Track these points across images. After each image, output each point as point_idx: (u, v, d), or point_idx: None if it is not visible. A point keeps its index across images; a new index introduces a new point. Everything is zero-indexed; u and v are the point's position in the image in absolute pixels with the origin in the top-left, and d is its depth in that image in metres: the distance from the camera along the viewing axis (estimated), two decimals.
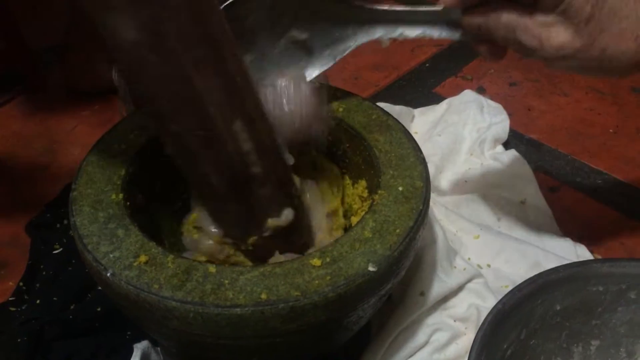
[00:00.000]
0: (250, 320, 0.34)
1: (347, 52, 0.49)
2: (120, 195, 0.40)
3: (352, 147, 0.48)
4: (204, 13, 0.36)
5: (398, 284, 0.44)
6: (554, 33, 0.39)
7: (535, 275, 0.42)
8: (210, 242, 0.44)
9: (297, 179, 0.45)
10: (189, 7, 0.35)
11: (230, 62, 0.38)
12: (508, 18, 0.40)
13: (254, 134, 0.39)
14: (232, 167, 0.39)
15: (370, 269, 0.36)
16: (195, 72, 0.35)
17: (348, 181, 0.49)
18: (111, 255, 0.36)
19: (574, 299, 0.43)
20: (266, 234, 0.42)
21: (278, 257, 0.42)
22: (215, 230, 0.43)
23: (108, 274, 0.36)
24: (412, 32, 0.47)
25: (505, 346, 0.41)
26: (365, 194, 0.47)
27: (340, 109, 0.48)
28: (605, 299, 0.43)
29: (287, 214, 0.42)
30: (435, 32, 0.47)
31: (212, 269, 0.36)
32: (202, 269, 0.36)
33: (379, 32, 0.48)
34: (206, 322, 0.34)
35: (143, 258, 0.36)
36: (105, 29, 0.34)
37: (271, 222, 0.42)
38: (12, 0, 0.80)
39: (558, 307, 0.43)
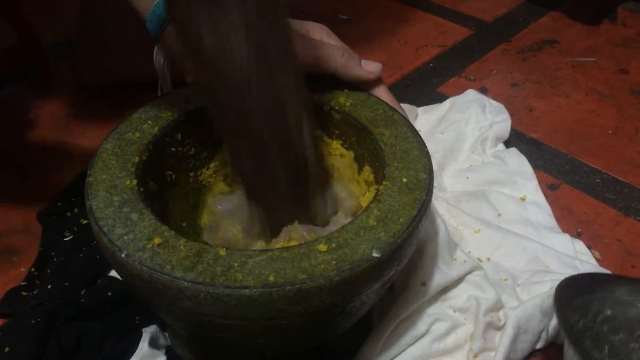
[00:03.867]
0: (258, 302, 0.35)
1: None
2: (134, 181, 0.42)
3: (359, 140, 0.49)
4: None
5: (400, 273, 0.46)
6: None
7: (596, 273, 0.47)
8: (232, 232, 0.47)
9: None
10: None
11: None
12: None
13: (312, 131, 0.43)
14: (297, 161, 0.43)
15: (375, 255, 0.38)
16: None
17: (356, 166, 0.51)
18: (125, 238, 0.38)
19: (621, 310, 0.45)
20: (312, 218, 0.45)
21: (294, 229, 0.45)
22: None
23: (123, 255, 0.37)
24: None
25: (573, 320, 0.43)
26: (371, 179, 0.48)
27: (348, 104, 0.49)
28: None
29: (331, 195, 0.46)
30: None
31: (222, 252, 0.37)
32: (212, 252, 0.37)
33: None
34: (216, 302, 0.35)
35: (157, 240, 0.37)
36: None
37: (318, 203, 0.45)
38: None
39: (609, 312, 0.44)
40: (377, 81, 0.51)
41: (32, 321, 0.47)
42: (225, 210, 0.49)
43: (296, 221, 0.44)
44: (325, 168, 0.48)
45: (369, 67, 0.50)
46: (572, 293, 0.43)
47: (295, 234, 0.44)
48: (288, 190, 0.44)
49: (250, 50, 0.38)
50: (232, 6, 0.38)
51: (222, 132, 0.44)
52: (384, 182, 0.43)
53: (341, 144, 0.51)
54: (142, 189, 0.42)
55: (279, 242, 0.44)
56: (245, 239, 0.46)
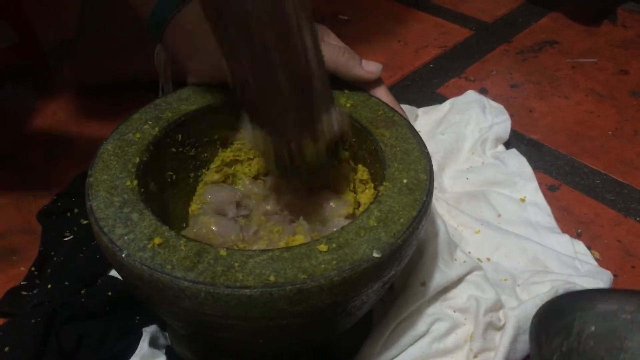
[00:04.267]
0: (258, 301, 0.36)
1: None
2: (135, 182, 0.42)
3: (359, 141, 0.49)
4: None
5: (400, 273, 0.46)
6: None
7: (573, 292, 0.45)
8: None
9: None
10: None
11: None
12: None
13: (314, 35, 0.41)
14: (299, 66, 0.41)
15: (375, 255, 0.38)
16: None
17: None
18: (126, 238, 0.38)
19: (605, 324, 0.44)
20: (322, 133, 0.44)
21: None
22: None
23: (123, 255, 0.37)
24: None
25: (553, 346, 0.43)
26: (366, 177, 0.48)
27: (348, 104, 0.50)
28: (632, 328, 0.45)
29: (338, 112, 0.44)
30: None
31: (222, 252, 0.37)
32: (213, 252, 0.37)
33: None
34: (216, 301, 0.36)
35: (157, 240, 0.38)
36: None
37: (325, 117, 0.44)
38: None
39: (593, 328, 0.44)
40: (377, 82, 0.51)
41: (32, 321, 0.47)
42: (214, 200, 0.49)
43: (301, 217, 0.44)
44: (329, 86, 0.46)
45: (370, 67, 0.50)
46: (552, 317, 0.42)
47: (300, 229, 0.44)
48: (292, 104, 0.43)
49: None
50: None
51: (222, 41, 0.42)
52: (384, 183, 0.43)
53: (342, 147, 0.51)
54: (142, 190, 0.42)
55: (282, 240, 0.45)
56: (218, 238, 0.46)
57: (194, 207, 0.50)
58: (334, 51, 0.49)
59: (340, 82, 0.51)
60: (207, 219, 0.47)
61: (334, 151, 0.51)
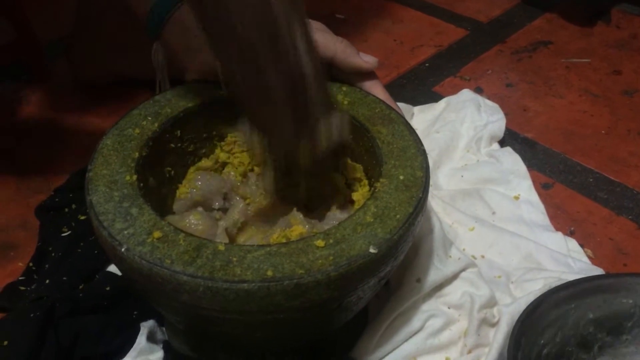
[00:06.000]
0: (256, 296, 0.36)
1: None
2: (134, 177, 0.42)
3: (355, 138, 0.50)
4: None
5: (396, 270, 0.47)
6: None
7: (568, 282, 0.45)
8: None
9: None
10: None
11: None
12: None
13: (307, 36, 0.41)
14: (289, 66, 0.40)
15: (371, 250, 0.38)
16: None
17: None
18: (125, 232, 0.38)
19: (606, 310, 0.45)
20: (318, 140, 0.43)
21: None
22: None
23: (123, 249, 0.37)
24: None
25: (542, 342, 0.43)
26: (359, 174, 0.49)
27: (345, 102, 0.50)
28: (635, 312, 0.45)
29: (338, 118, 0.43)
30: None
31: (221, 247, 0.38)
32: (211, 246, 0.38)
33: None
34: (215, 296, 0.36)
35: (156, 235, 0.38)
36: None
37: (322, 123, 0.43)
38: None
39: (591, 316, 0.45)
40: (374, 79, 0.52)
41: (31, 315, 0.47)
42: (203, 188, 0.49)
43: (294, 208, 0.44)
44: (329, 91, 0.45)
45: (366, 58, 0.51)
46: (538, 318, 0.43)
47: (295, 220, 0.45)
48: (286, 105, 0.42)
49: None
50: None
51: (212, 40, 0.42)
52: (380, 180, 0.44)
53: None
54: (141, 184, 0.42)
55: (275, 232, 0.45)
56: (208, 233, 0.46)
57: (182, 190, 0.50)
58: (331, 39, 0.49)
59: (338, 78, 0.51)
60: (195, 216, 0.47)
61: (334, 160, 0.50)
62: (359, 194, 0.48)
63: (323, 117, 0.43)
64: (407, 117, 0.72)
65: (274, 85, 0.41)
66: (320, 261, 0.37)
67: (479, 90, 0.80)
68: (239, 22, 0.38)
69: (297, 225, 0.44)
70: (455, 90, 0.77)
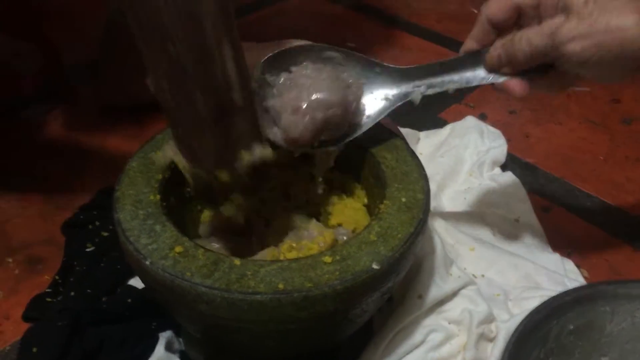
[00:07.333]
0: (268, 306, 0.39)
1: (383, 114, 0.52)
2: (158, 197, 0.46)
3: (362, 163, 0.53)
4: None
5: (398, 286, 0.50)
6: (559, 24, 0.44)
7: (551, 298, 0.47)
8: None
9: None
10: None
11: None
12: (520, 35, 0.46)
13: (238, 62, 0.41)
14: (217, 88, 0.41)
15: (374, 266, 0.41)
16: None
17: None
18: (150, 247, 0.42)
19: (585, 319, 0.47)
20: (240, 169, 0.45)
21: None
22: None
23: (147, 262, 0.41)
24: (445, 85, 0.52)
25: (534, 353, 0.45)
26: (362, 196, 0.54)
27: None
28: (612, 318, 0.48)
29: (261, 150, 0.45)
30: (468, 79, 0.51)
31: (237, 262, 0.41)
32: (228, 261, 0.41)
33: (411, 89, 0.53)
34: (231, 306, 0.39)
35: (178, 249, 0.42)
36: None
37: (245, 154, 0.44)
38: (49, 18, 0.86)
39: (571, 327, 0.47)
40: None
41: (59, 324, 0.51)
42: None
43: (313, 219, 0.48)
44: (258, 124, 0.46)
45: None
46: (528, 334, 0.45)
47: (318, 228, 0.49)
48: (210, 127, 0.42)
49: None
50: None
51: (143, 52, 0.42)
52: (384, 202, 0.47)
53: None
54: (164, 204, 0.46)
55: (285, 244, 0.48)
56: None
57: (206, 214, 0.53)
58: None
59: None
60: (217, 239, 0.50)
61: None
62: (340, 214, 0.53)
63: (247, 146, 0.44)
64: (413, 142, 0.75)
65: (201, 106, 0.41)
66: (327, 276, 0.41)
67: (483, 117, 0.84)
68: (168, 34, 0.39)
69: (326, 233, 0.48)
70: (460, 116, 0.80)
